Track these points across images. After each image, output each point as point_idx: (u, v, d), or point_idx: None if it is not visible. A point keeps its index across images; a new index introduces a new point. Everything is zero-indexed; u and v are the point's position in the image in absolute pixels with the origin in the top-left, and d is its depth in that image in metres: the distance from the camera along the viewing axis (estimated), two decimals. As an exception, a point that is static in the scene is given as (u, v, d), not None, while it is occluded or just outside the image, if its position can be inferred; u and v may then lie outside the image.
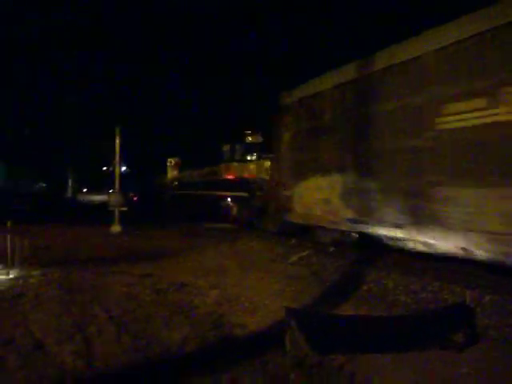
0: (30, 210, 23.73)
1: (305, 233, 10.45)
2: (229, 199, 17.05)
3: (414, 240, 7.01)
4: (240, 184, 15.78)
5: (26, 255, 8.19)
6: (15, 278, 6.93)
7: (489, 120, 5.85)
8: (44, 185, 44.34)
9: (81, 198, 48.64)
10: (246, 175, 15.76)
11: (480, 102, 5.98)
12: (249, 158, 16.09)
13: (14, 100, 39.23)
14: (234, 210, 16.63)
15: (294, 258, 8.56)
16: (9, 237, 7.53)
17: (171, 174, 26.14)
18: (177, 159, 25.62)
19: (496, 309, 4.90)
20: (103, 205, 16.86)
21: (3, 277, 7.00)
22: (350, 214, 8.19)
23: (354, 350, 4.00)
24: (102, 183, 45.90)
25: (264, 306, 5.59)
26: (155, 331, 4.61)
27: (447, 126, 6.44)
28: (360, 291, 6.35)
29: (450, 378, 3.67)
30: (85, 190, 62.08)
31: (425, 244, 6.83)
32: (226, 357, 3.99)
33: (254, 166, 15.47)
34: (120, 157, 14.58)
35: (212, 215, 17.89)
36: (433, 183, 6.60)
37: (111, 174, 20.96)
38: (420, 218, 6.78)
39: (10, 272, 7.21)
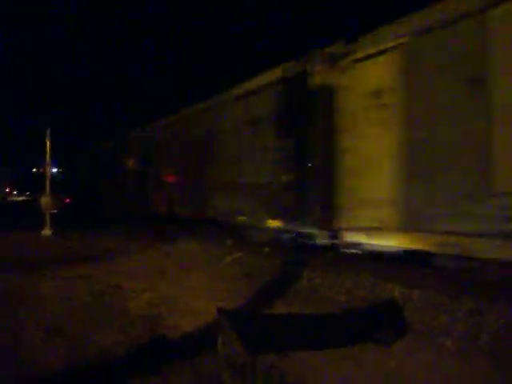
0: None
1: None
2: None
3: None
4: None
5: None
6: None
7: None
8: None
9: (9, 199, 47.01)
10: None
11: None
12: None
13: None
14: None
15: (229, 260, 8.56)
16: None
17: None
18: None
19: (424, 304, 5.08)
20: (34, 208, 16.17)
21: None
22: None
23: (287, 348, 4.02)
24: (33, 185, 44.28)
25: (198, 307, 5.53)
26: (87, 335, 4.45)
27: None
28: (294, 290, 6.40)
29: (379, 371, 3.77)
30: (14, 192, 59.60)
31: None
32: (159, 359, 3.91)
33: None
34: (50, 158, 14.10)
35: None
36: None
37: (40, 175, 20.22)
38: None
39: None
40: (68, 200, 27.45)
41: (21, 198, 49.17)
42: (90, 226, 15.68)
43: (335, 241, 7.81)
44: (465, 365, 3.91)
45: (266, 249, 8.83)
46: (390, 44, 6.91)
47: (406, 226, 6.58)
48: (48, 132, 13.81)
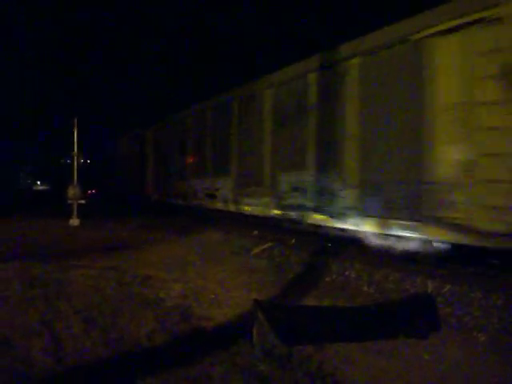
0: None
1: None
2: None
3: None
4: None
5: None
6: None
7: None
8: None
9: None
10: None
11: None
12: None
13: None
14: None
15: (257, 250, 8.59)
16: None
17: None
18: None
19: (456, 298, 5.06)
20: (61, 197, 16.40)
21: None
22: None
23: (321, 340, 4.07)
24: (59, 176, 44.73)
25: (229, 298, 5.60)
26: (123, 325, 4.54)
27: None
28: (323, 282, 6.45)
29: (414, 364, 3.79)
30: (38, 182, 60.54)
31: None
32: (194, 349, 3.98)
33: None
34: (78, 149, 14.28)
35: None
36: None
37: (68, 166, 20.49)
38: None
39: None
40: (94, 191, 27.78)
41: (43, 188, 49.89)
42: (114, 216, 15.90)
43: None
44: (499, 359, 3.91)
45: (293, 240, 8.84)
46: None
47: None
48: (75, 122, 13.96)
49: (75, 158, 14.25)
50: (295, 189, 8.79)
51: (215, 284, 6.35)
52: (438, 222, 6.00)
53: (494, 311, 4.62)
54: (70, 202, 13.77)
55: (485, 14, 5.54)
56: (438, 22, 6.12)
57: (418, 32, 6.38)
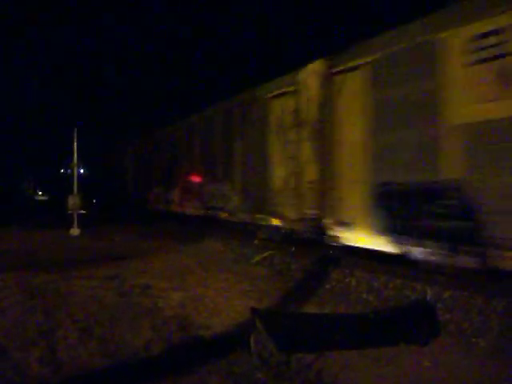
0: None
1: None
2: None
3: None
4: None
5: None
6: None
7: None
8: None
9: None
10: None
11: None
12: None
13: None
14: None
15: (257, 258, 8.58)
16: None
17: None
18: None
19: (455, 304, 5.03)
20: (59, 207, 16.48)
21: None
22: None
23: (320, 348, 4.04)
24: (59, 185, 45.04)
25: (229, 306, 5.57)
26: (120, 335, 4.52)
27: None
28: (323, 290, 6.42)
29: (413, 371, 3.76)
30: (40, 192, 60.68)
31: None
32: (192, 359, 3.95)
33: None
34: (78, 159, 14.31)
35: None
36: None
37: (68, 176, 20.66)
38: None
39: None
40: (94, 200, 27.87)
41: (44, 198, 50.19)
42: (114, 225, 15.90)
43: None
44: (498, 365, 3.88)
45: (293, 248, 8.82)
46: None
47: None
48: (75, 133, 14.00)
49: (75, 168, 14.27)
50: (212, 195, 12.15)
51: (215, 292, 6.33)
52: (273, 214, 8.93)
53: (493, 317, 4.58)
54: (70, 211, 13.77)
55: (290, 88, 8.58)
56: (274, 89, 9.20)
57: (266, 94, 9.50)
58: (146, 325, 4.82)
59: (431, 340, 4.30)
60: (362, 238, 6.78)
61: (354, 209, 6.94)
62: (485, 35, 5.07)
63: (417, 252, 5.69)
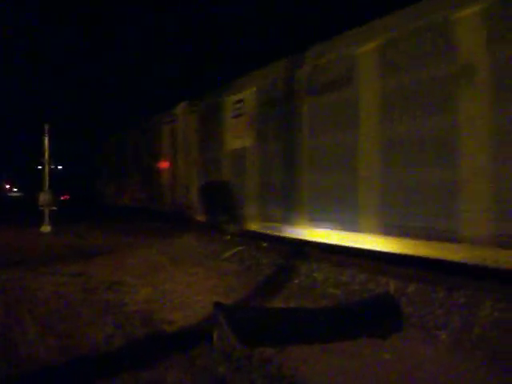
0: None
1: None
2: None
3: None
4: None
5: None
6: None
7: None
8: None
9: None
10: None
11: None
12: None
13: None
14: None
15: (228, 254, 8.58)
16: None
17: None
18: None
19: (419, 297, 5.09)
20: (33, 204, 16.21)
21: None
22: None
23: (283, 342, 4.03)
24: (35, 182, 44.42)
25: (195, 302, 5.54)
26: (82, 331, 4.46)
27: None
28: (291, 284, 6.43)
29: (374, 364, 3.79)
30: (15, 189, 59.76)
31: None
32: (153, 353, 3.92)
33: None
34: (50, 155, 14.04)
35: None
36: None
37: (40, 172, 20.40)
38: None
39: None
40: (66, 197, 27.61)
41: (19, 194, 49.49)
42: (87, 222, 15.72)
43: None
44: (459, 356, 3.93)
45: (264, 244, 8.85)
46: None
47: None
48: (46, 128, 13.75)
49: (46, 164, 14.01)
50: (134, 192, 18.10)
51: (184, 287, 6.30)
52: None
53: (455, 309, 4.66)
54: (41, 208, 13.54)
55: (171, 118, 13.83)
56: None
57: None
58: (108, 320, 4.76)
59: (393, 333, 4.33)
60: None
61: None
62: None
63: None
